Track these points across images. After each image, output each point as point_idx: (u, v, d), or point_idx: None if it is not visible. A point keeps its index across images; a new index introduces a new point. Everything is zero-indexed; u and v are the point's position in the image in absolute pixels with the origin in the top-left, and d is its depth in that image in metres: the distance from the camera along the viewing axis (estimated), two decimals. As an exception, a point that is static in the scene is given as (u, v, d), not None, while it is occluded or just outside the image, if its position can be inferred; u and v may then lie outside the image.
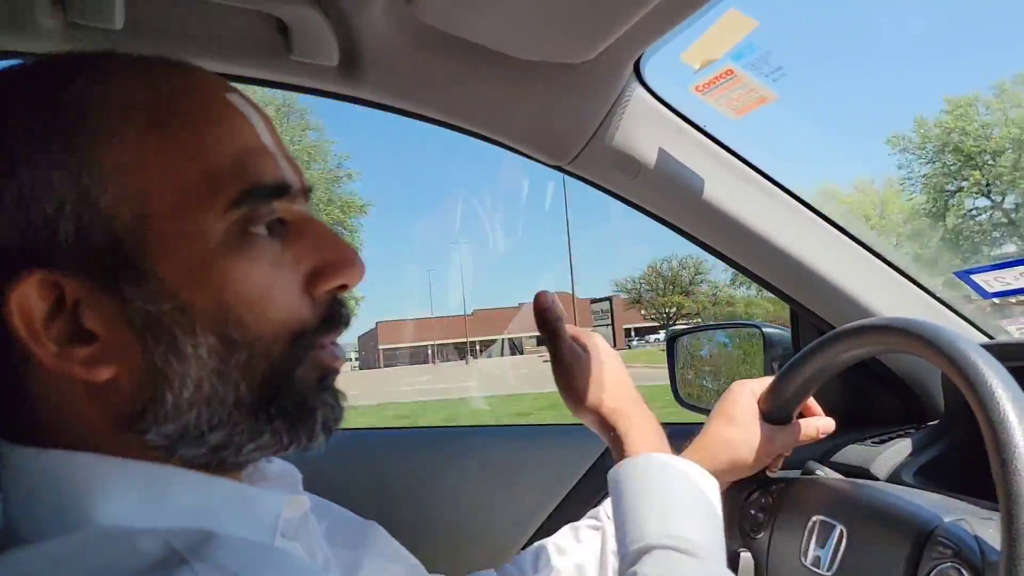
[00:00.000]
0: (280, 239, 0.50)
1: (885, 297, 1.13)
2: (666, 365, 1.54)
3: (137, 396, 0.46)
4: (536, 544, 0.89)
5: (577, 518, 0.93)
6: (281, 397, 0.49)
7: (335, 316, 0.52)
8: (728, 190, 1.05)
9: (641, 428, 0.82)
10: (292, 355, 0.49)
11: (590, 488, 1.25)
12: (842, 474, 0.99)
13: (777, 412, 0.89)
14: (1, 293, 0.43)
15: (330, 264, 0.51)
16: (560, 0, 0.72)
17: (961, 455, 1.04)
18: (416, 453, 1.29)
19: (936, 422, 1.14)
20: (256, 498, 0.51)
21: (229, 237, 0.47)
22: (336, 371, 0.53)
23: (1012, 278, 1.08)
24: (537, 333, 0.84)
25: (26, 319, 0.44)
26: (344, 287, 0.53)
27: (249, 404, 0.48)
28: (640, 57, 0.93)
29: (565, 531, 0.90)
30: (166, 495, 0.47)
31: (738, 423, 0.88)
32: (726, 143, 1.06)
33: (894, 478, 1.04)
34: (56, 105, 0.46)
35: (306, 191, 0.54)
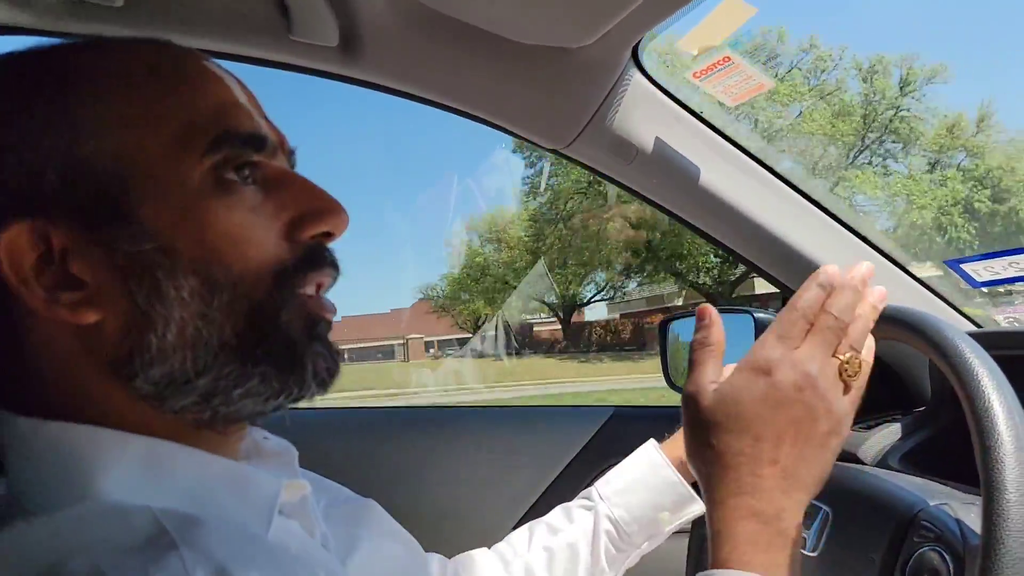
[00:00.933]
0: (261, 189, 0.52)
1: (877, 284, 1.14)
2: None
3: (123, 339, 0.48)
4: (529, 524, 0.90)
5: (569, 498, 0.94)
6: (267, 341, 0.50)
7: (317, 256, 0.53)
8: (723, 176, 1.06)
9: (744, 531, 0.57)
10: (276, 296, 0.50)
11: (582, 468, 1.27)
12: None
13: None
14: None
15: (313, 211, 0.53)
16: None
17: (947, 441, 1.06)
18: (411, 432, 1.31)
19: (923, 408, 1.16)
20: (254, 479, 0.52)
21: (207, 182, 0.49)
22: (326, 321, 0.54)
23: (1001, 267, 1.09)
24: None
25: (16, 266, 0.46)
26: (329, 235, 0.54)
27: (235, 347, 0.49)
28: (638, 43, 0.93)
29: (557, 511, 0.91)
30: (164, 471, 0.49)
31: None
32: (722, 129, 1.07)
33: (881, 463, 1.06)
34: (46, 75, 0.49)
35: (288, 150, 0.56)
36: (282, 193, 0.53)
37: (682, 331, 1.64)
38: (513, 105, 0.98)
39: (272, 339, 0.50)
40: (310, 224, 0.53)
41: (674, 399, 1.45)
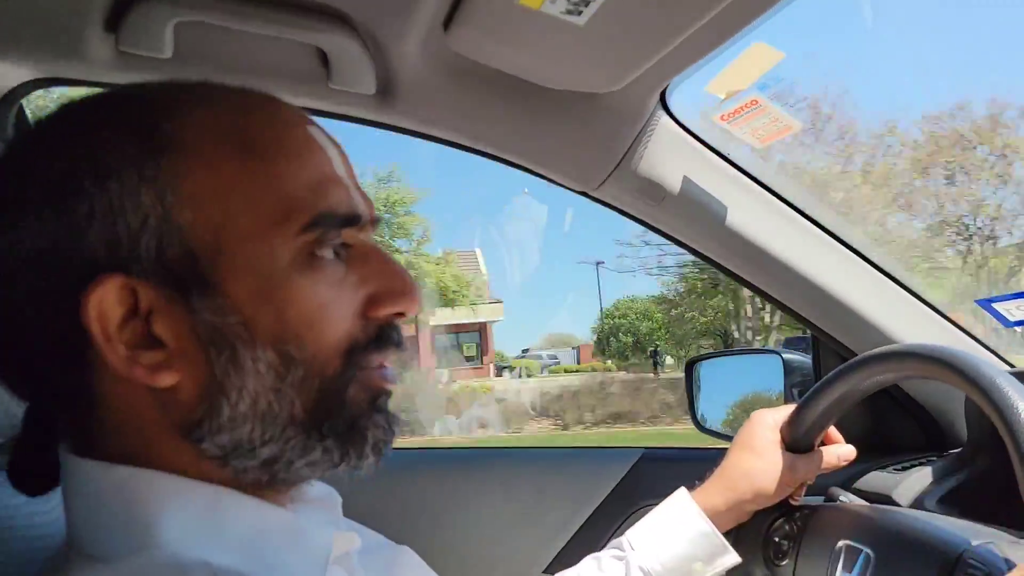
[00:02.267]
0: (344, 263, 0.53)
1: (906, 324, 1.14)
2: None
3: (196, 405, 0.48)
4: (559, 574, 0.90)
5: (599, 541, 0.93)
6: (333, 416, 0.51)
7: (386, 337, 0.54)
8: (751, 217, 1.07)
9: None
10: (344, 374, 0.51)
11: (612, 511, 1.26)
12: (865, 500, 0.99)
13: (798, 441, 0.89)
14: (82, 295, 0.46)
15: (389, 291, 0.53)
16: (589, 34, 0.74)
17: (985, 484, 1.04)
18: (438, 474, 1.30)
19: (958, 450, 1.14)
20: (308, 532, 0.53)
21: (297, 259, 0.49)
22: (387, 392, 0.55)
23: (1034, 306, 1.09)
24: None
25: (102, 321, 0.46)
26: (401, 315, 0.55)
27: (302, 422, 0.50)
28: (666, 87, 0.95)
29: (588, 561, 0.90)
30: (224, 519, 0.50)
31: (759, 453, 0.88)
32: (749, 171, 1.08)
33: (917, 505, 1.04)
34: (149, 128, 0.49)
35: (374, 221, 0.56)
36: (364, 268, 0.53)
37: (708, 372, 1.63)
38: (543, 149, 1.00)
39: (338, 415, 0.51)
40: (387, 304, 0.53)
41: (703, 440, 1.45)
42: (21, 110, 0.89)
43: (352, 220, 0.52)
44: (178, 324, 0.48)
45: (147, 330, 0.48)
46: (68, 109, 0.52)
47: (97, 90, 0.54)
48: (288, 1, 0.75)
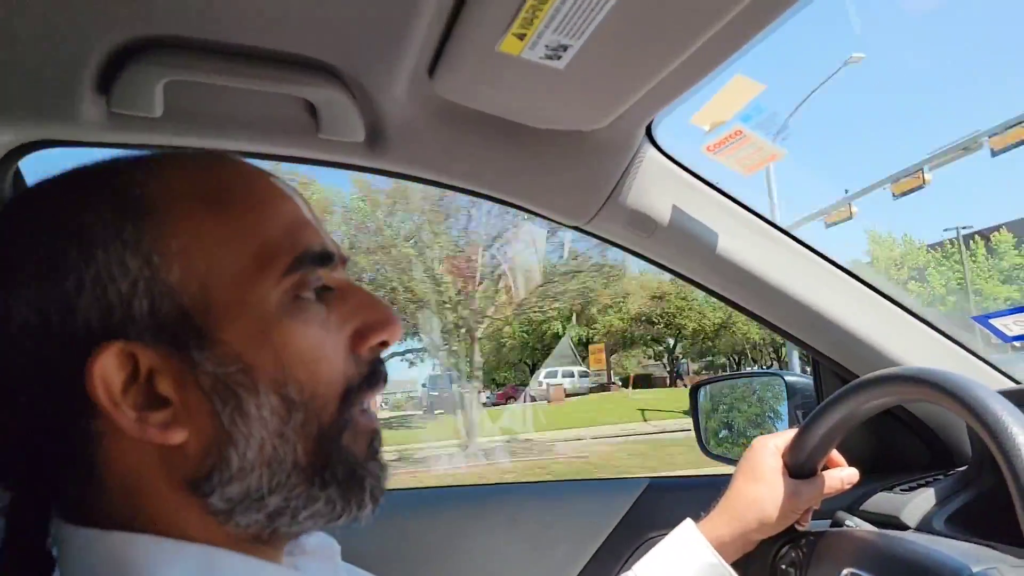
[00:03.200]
0: (325, 304, 0.54)
1: (904, 344, 1.14)
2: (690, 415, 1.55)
3: (205, 458, 0.49)
4: None
5: (609, 573, 0.93)
6: (332, 463, 0.52)
7: (376, 373, 0.55)
8: (743, 244, 1.08)
9: None
10: (340, 417, 0.52)
11: (620, 543, 1.25)
12: (872, 523, 0.98)
13: (801, 466, 0.89)
14: (83, 366, 0.47)
15: (371, 324, 0.55)
16: (570, 76, 0.75)
17: (991, 501, 1.03)
18: (445, 512, 1.30)
19: (964, 468, 1.14)
20: None
21: (284, 302, 0.51)
22: (379, 434, 0.56)
23: (1031, 320, 1.09)
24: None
25: (107, 389, 0.47)
26: (385, 343, 0.56)
27: (305, 468, 0.51)
28: (652, 120, 0.96)
29: None
30: None
31: (762, 480, 0.88)
32: (738, 198, 1.09)
33: (924, 525, 1.03)
34: (128, 199, 0.50)
35: (343, 260, 0.58)
36: (344, 305, 0.55)
37: (712, 396, 1.63)
38: (533, 187, 1.01)
39: (337, 461, 0.52)
40: (371, 336, 0.55)
41: (709, 466, 1.45)
42: (18, 173, 0.90)
43: (327, 257, 0.54)
44: (181, 380, 0.48)
45: (151, 390, 0.48)
46: (47, 184, 0.54)
47: (88, 151, 0.56)
48: (275, 56, 0.76)
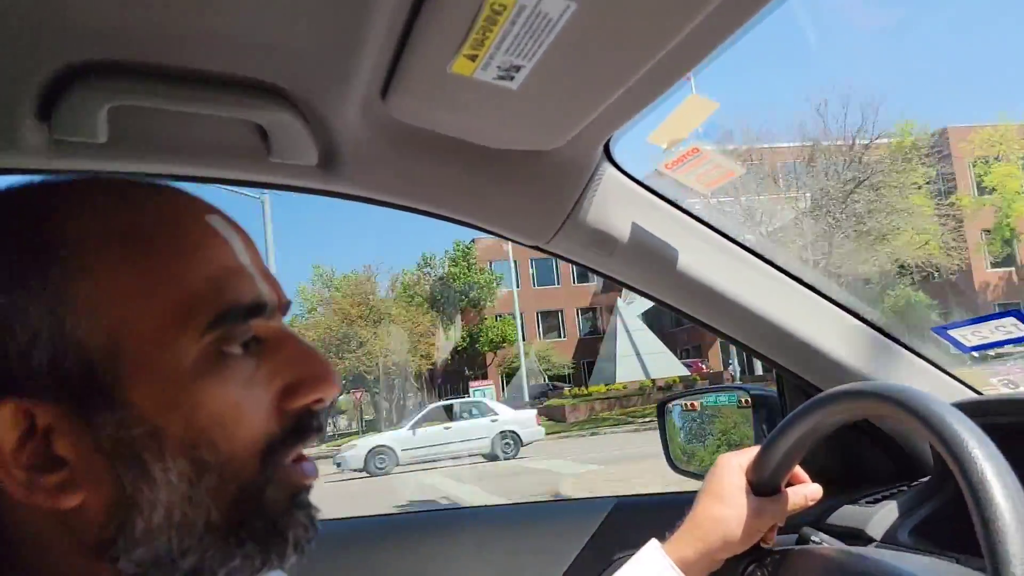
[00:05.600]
0: (255, 357, 0.50)
1: (866, 357, 1.15)
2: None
3: (107, 522, 0.46)
4: None
5: None
6: (251, 519, 0.48)
7: (304, 427, 0.51)
8: (704, 260, 1.08)
9: None
10: (261, 475, 0.49)
11: (587, 564, 1.24)
12: (837, 536, 0.98)
13: (764, 484, 0.89)
14: None
15: (305, 379, 0.51)
16: (524, 97, 0.75)
17: (954, 511, 1.04)
18: (410, 540, 1.28)
19: (927, 479, 1.15)
20: None
21: (202, 359, 0.47)
22: (307, 488, 0.53)
23: (988, 331, 1.10)
24: None
25: None
26: (319, 401, 0.52)
27: (219, 528, 0.47)
28: (610, 139, 0.96)
29: None
30: None
31: (725, 500, 0.88)
32: (698, 214, 1.09)
33: (889, 538, 1.04)
34: (32, 240, 0.46)
35: (284, 306, 0.54)
36: (276, 358, 0.51)
37: (680, 412, 1.63)
38: (492, 207, 1.01)
39: (256, 518, 0.49)
40: (303, 393, 0.51)
41: (677, 484, 1.44)
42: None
43: (258, 310, 0.50)
44: (80, 441, 0.45)
45: (47, 450, 0.45)
46: None
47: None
48: (223, 80, 0.75)
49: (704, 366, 26.87)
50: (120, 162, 0.84)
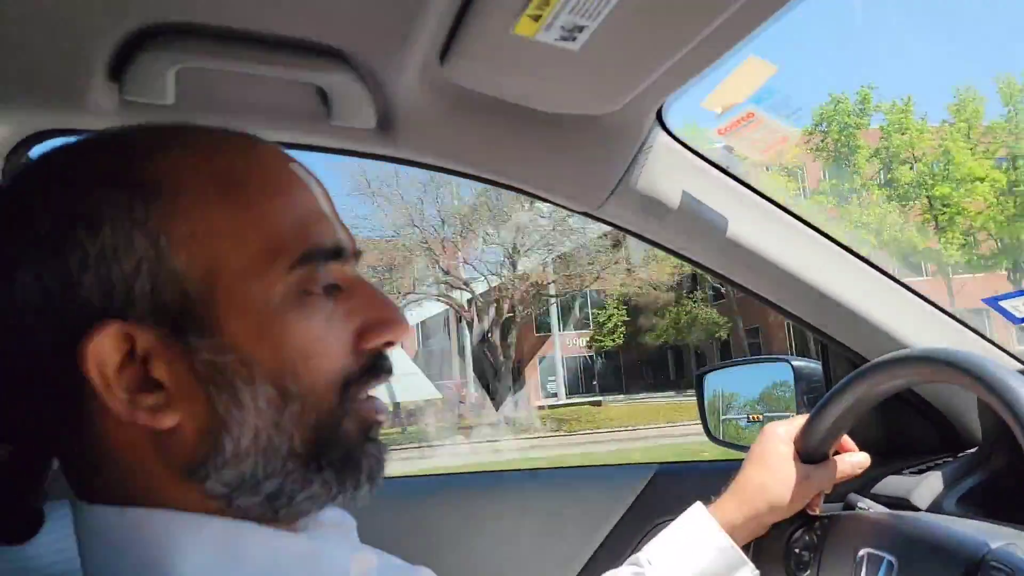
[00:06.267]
0: (333, 298, 0.53)
1: (915, 326, 1.14)
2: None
3: (199, 444, 0.49)
4: None
5: (618, 559, 0.93)
6: (329, 448, 0.52)
7: (377, 367, 0.55)
8: (753, 228, 1.08)
9: None
10: (339, 407, 0.52)
11: (629, 529, 1.26)
12: (883, 505, 0.99)
13: (812, 451, 0.89)
14: (79, 343, 0.46)
15: (377, 322, 0.55)
16: (584, 59, 0.75)
17: (1002, 482, 1.04)
18: (455, 499, 1.30)
19: (974, 449, 1.14)
20: (326, 555, 0.54)
21: (289, 296, 0.50)
22: (379, 423, 0.56)
23: (1041, 303, 1.09)
24: None
25: (100, 368, 0.47)
26: (390, 343, 0.56)
27: (301, 454, 0.51)
28: (662, 105, 0.96)
29: None
30: (240, 551, 0.50)
31: (771, 466, 0.89)
32: (749, 182, 1.09)
33: (935, 507, 1.04)
34: (137, 175, 0.50)
35: (357, 254, 0.57)
36: (351, 302, 0.54)
37: (718, 383, 1.63)
38: (543, 173, 1.01)
39: (333, 447, 0.52)
40: (376, 334, 0.54)
41: (717, 453, 1.45)
42: (29, 162, 0.90)
43: (338, 253, 0.54)
44: (176, 365, 0.48)
45: (146, 373, 0.48)
46: (52, 159, 0.53)
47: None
48: (286, 42, 0.76)
49: (464, 389, 23.49)
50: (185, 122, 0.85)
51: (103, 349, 0.47)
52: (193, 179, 0.50)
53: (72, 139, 0.56)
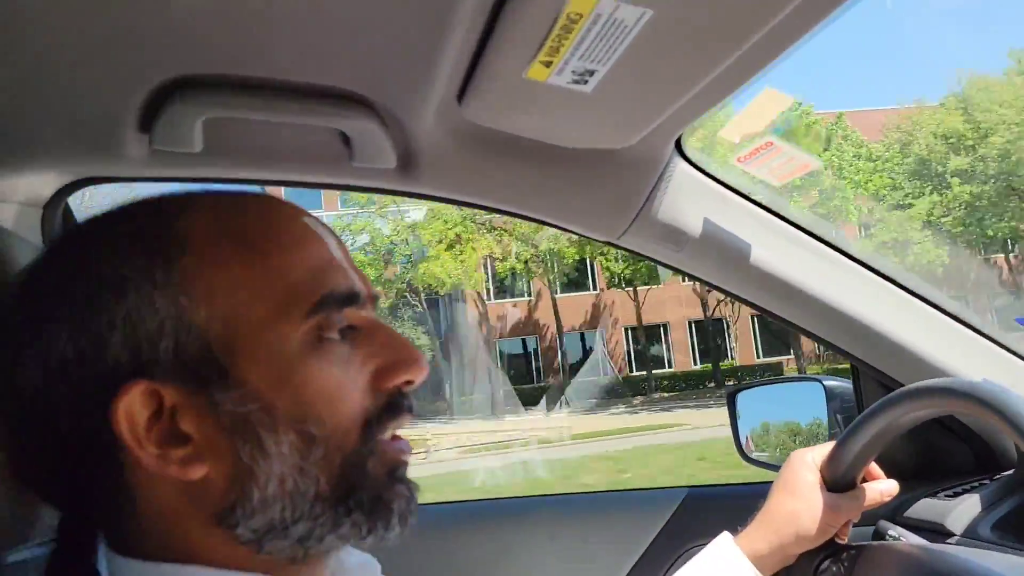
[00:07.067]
0: (350, 343, 0.55)
1: (949, 350, 1.12)
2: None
3: (227, 493, 0.51)
4: None
5: None
6: (356, 490, 0.53)
7: (397, 405, 0.56)
8: (778, 253, 1.07)
9: None
10: (363, 447, 0.53)
11: (659, 555, 1.25)
12: (915, 531, 0.97)
13: (839, 479, 0.88)
14: (110, 402, 0.49)
15: (396, 363, 0.56)
16: (597, 99, 0.76)
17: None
18: (484, 527, 1.31)
19: (1010, 472, 1.12)
20: None
21: (306, 342, 0.52)
22: (404, 464, 0.57)
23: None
24: None
25: (131, 425, 0.49)
26: (409, 382, 0.57)
27: (328, 498, 0.52)
28: (681, 135, 0.97)
29: None
30: None
31: (799, 495, 0.88)
32: (772, 207, 1.09)
33: (971, 532, 1.02)
34: (158, 239, 0.53)
35: (373, 298, 0.59)
36: (369, 344, 0.56)
37: (750, 402, 1.62)
38: (564, 205, 1.02)
39: (361, 489, 0.53)
40: (394, 374, 0.56)
41: (750, 475, 1.44)
42: (67, 209, 0.94)
43: (352, 299, 0.55)
44: (202, 418, 0.50)
45: (174, 427, 0.50)
46: (88, 225, 0.57)
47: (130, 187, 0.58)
48: (309, 90, 0.78)
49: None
50: (213, 169, 0.89)
51: (133, 407, 0.49)
52: (210, 239, 0.53)
53: (105, 185, 0.59)
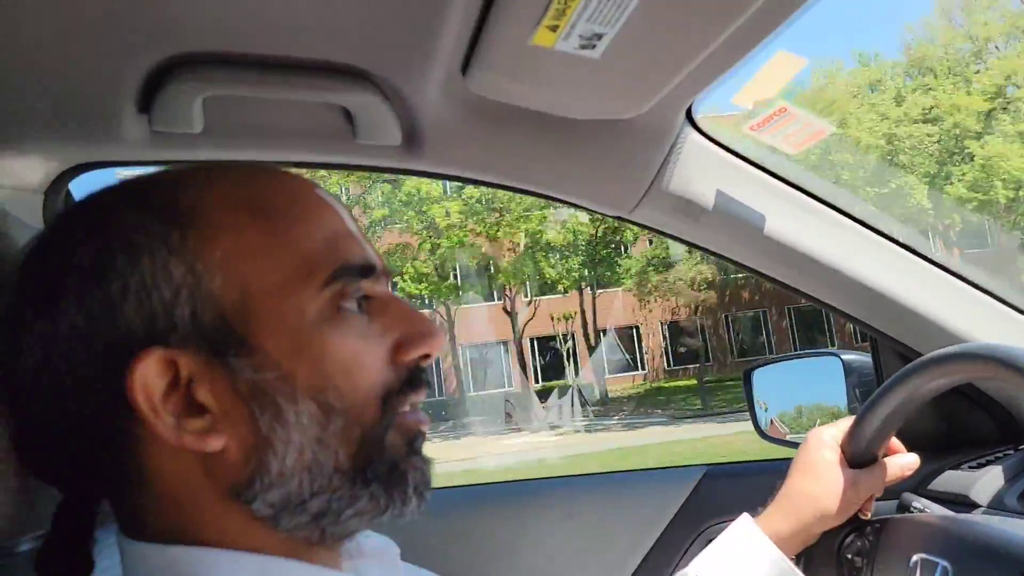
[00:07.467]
0: (367, 314, 0.54)
1: (968, 317, 1.10)
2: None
3: (245, 465, 0.50)
4: None
5: (668, 565, 0.92)
6: (374, 462, 0.52)
7: (416, 379, 0.56)
8: (793, 223, 1.05)
9: None
10: (382, 420, 0.53)
11: (678, 533, 1.24)
12: (940, 503, 0.95)
13: (860, 455, 0.86)
14: (125, 371, 0.48)
15: (413, 336, 0.55)
16: (606, 65, 0.74)
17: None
18: (501, 509, 1.30)
19: (1035, 442, 1.10)
20: None
21: (323, 312, 0.51)
22: (422, 434, 0.57)
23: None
24: None
25: (147, 394, 0.48)
26: (426, 356, 0.56)
27: (347, 470, 0.51)
28: (692, 103, 0.94)
29: None
30: None
31: (819, 475, 0.86)
32: (785, 176, 1.06)
33: (996, 503, 1.00)
34: (172, 207, 0.52)
35: (388, 273, 0.58)
36: (386, 317, 0.55)
37: (767, 379, 1.60)
38: (573, 179, 1.00)
39: (379, 460, 0.53)
40: (412, 348, 0.55)
41: (767, 451, 1.42)
42: (68, 194, 0.93)
43: (368, 270, 0.55)
44: (219, 387, 0.49)
45: (191, 398, 0.49)
46: (96, 196, 0.55)
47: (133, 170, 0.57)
48: (309, 65, 0.77)
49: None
50: (214, 150, 0.87)
51: (148, 375, 0.48)
52: (224, 207, 0.52)
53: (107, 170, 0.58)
